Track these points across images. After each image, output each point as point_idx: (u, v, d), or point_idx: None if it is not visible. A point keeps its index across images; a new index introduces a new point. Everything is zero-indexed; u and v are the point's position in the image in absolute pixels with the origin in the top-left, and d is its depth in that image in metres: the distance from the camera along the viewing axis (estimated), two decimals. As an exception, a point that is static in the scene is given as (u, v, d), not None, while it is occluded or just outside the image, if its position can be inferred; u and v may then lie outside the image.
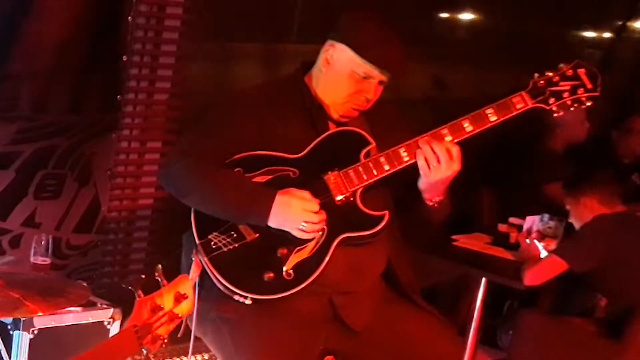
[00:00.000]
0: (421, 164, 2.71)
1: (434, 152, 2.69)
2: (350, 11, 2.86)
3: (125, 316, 3.27)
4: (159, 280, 2.27)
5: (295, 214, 2.66)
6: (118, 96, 4.22)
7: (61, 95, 4.05)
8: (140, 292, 2.20)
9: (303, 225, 2.66)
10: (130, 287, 2.22)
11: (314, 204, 2.69)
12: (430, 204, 2.81)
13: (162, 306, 2.18)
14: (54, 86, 4.01)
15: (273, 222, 2.68)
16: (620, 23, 6.84)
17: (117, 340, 2.24)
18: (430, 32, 5.72)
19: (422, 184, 2.77)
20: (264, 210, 2.67)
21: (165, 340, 2.21)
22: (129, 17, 4.13)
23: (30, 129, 3.96)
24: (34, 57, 3.87)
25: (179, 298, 2.21)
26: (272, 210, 2.66)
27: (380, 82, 2.79)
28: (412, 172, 2.75)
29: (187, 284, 2.25)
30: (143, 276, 2.28)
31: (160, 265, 2.30)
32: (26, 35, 3.83)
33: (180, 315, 2.21)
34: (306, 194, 2.69)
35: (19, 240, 3.99)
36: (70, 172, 4.12)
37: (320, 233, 2.70)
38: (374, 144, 2.79)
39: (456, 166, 2.71)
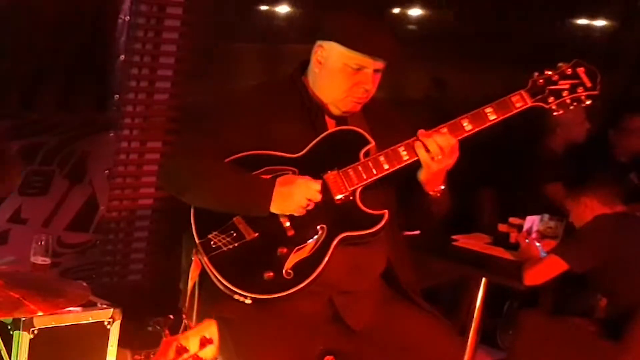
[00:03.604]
0: (424, 156, 2.72)
1: (437, 144, 2.70)
2: (334, 10, 2.87)
3: (125, 315, 3.28)
4: (185, 322, 2.29)
5: (299, 191, 2.66)
6: (116, 96, 4.24)
7: (49, 94, 4.06)
8: (167, 331, 2.22)
9: (309, 203, 2.67)
10: (157, 327, 2.25)
11: (317, 183, 2.69)
12: (433, 193, 2.81)
13: (187, 348, 2.20)
14: (42, 84, 4.03)
15: (275, 204, 2.67)
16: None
17: None
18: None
19: (424, 175, 2.77)
20: (266, 195, 2.67)
21: None
22: (126, 17, 4.14)
23: (17, 127, 3.98)
24: (23, 55, 3.89)
25: (205, 342, 2.24)
26: (274, 192, 2.67)
27: (376, 71, 2.79)
28: (410, 166, 2.76)
29: (214, 328, 2.27)
30: (171, 316, 2.30)
31: (186, 306, 2.32)
32: (16, 34, 3.84)
33: (204, 359, 2.23)
34: (307, 177, 2.70)
35: (6, 236, 4.00)
36: (59, 169, 4.13)
37: (320, 232, 2.71)
38: (373, 143, 2.79)
39: (456, 154, 2.74)
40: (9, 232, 3.99)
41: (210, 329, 2.27)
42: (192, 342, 2.23)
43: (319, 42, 2.82)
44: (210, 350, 2.25)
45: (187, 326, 2.35)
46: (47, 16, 3.92)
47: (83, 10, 3.99)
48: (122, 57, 4.20)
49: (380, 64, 2.77)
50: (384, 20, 2.82)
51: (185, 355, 2.20)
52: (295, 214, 2.69)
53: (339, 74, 2.78)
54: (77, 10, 3.97)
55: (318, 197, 2.69)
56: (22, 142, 4.00)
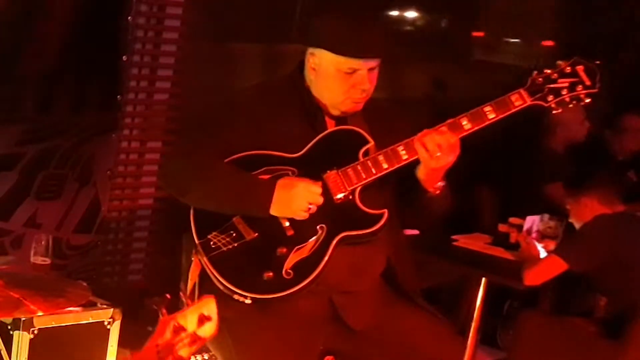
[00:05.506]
0: (423, 153, 2.71)
1: (435, 142, 2.70)
2: (319, 13, 2.85)
3: (125, 315, 3.28)
4: (183, 300, 2.26)
5: (300, 195, 2.66)
6: (118, 96, 4.24)
7: (63, 96, 4.07)
8: (164, 310, 2.19)
9: (311, 207, 2.66)
10: (154, 306, 2.21)
11: (318, 187, 2.69)
12: (432, 190, 2.80)
13: (185, 327, 2.16)
14: (56, 87, 4.03)
15: (276, 208, 2.67)
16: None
17: (138, 359, 2.22)
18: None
19: (421, 172, 2.76)
20: (266, 197, 2.67)
21: None
22: (129, 17, 4.14)
23: (33, 130, 3.98)
24: (37, 58, 3.89)
25: (203, 320, 2.19)
26: (274, 195, 2.66)
27: (371, 70, 2.77)
28: (410, 165, 2.76)
29: (212, 305, 2.22)
30: (168, 295, 2.27)
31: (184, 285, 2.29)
32: (30, 37, 3.85)
33: (203, 337, 2.19)
34: (307, 180, 2.70)
35: (20, 241, 4.00)
36: (71, 172, 4.14)
37: (320, 231, 2.71)
38: (372, 142, 2.78)
39: (456, 152, 2.73)
40: (23, 237, 4.00)
41: (209, 305, 2.20)
42: (190, 321, 2.16)
43: (309, 50, 2.80)
44: (209, 328, 2.19)
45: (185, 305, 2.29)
46: (60, 17, 3.93)
47: (95, 12, 3.99)
48: (125, 57, 4.21)
49: (373, 63, 2.77)
50: (369, 17, 2.79)
51: (183, 335, 2.14)
52: (298, 218, 2.69)
53: (333, 80, 2.76)
54: (88, 11, 3.97)
55: (320, 201, 2.68)
56: (39, 146, 4.00)
